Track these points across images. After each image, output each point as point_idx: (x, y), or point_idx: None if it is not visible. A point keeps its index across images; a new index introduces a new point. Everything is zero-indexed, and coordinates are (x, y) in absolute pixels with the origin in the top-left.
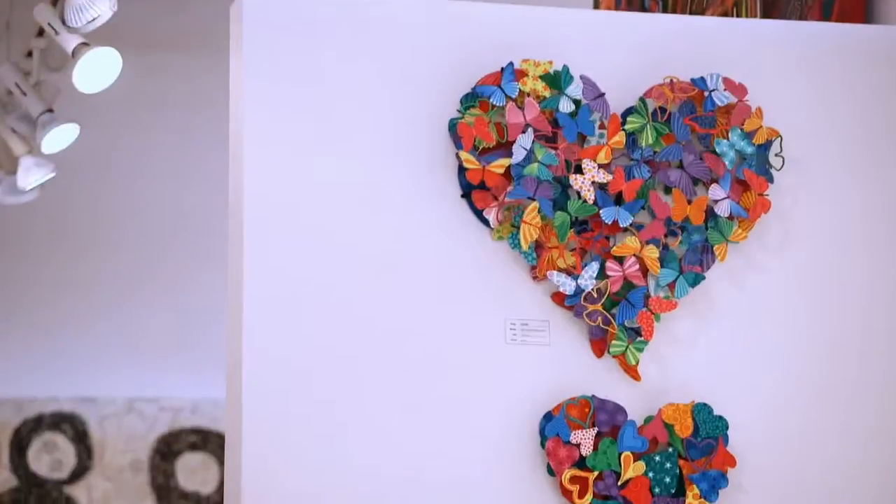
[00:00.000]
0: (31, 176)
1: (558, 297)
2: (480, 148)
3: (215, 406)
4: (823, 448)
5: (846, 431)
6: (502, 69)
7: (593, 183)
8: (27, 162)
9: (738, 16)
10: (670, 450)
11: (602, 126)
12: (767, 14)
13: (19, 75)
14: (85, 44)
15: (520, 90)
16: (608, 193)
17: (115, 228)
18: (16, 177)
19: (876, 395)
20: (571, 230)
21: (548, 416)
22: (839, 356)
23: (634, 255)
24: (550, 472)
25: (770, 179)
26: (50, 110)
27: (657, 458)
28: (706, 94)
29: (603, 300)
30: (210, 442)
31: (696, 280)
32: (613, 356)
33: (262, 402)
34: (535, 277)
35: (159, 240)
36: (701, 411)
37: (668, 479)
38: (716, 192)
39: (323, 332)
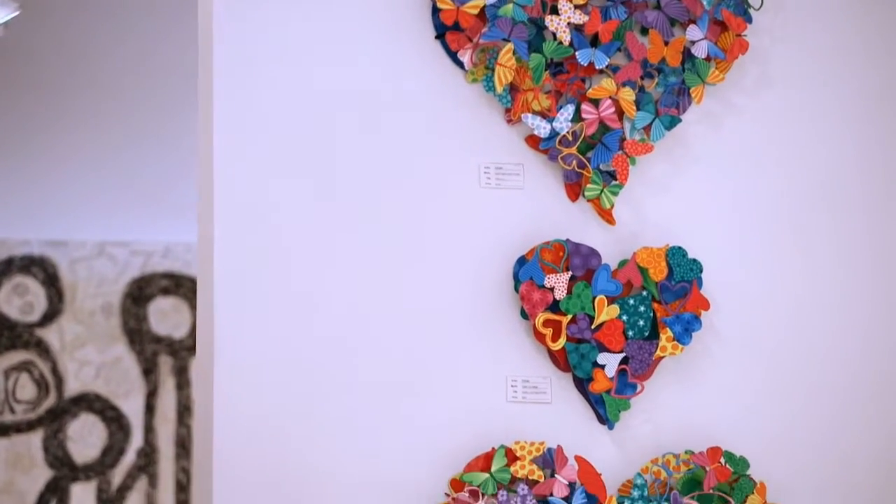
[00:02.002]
0: None
1: (533, 141)
2: None
3: (187, 250)
4: (794, 289)
5: (818, 273)
6: None
7: (569, 24)
8: None
9: None
10: (644, 293)
11: None
12: None
13: None
14: None
15: None
16: (584, 35)
17: (86, 69)
18: None
19: (847, 238)
20: (546, 72)
21: (521, 261)
22: (813, 199)
23: (610, 97)
24: (524, 315)
25: (748, 20)
26: None
27: (631, 302)
28: None
29: (578, 143)
30: (182, 286)
31: (673, 123)
32: (588, 200)
33: (233, 245)
34: (509, 121)
35: (132, 82)
36: (675, 254)
37: (641, 323)
38: (693, 32)
39: (296, 175)
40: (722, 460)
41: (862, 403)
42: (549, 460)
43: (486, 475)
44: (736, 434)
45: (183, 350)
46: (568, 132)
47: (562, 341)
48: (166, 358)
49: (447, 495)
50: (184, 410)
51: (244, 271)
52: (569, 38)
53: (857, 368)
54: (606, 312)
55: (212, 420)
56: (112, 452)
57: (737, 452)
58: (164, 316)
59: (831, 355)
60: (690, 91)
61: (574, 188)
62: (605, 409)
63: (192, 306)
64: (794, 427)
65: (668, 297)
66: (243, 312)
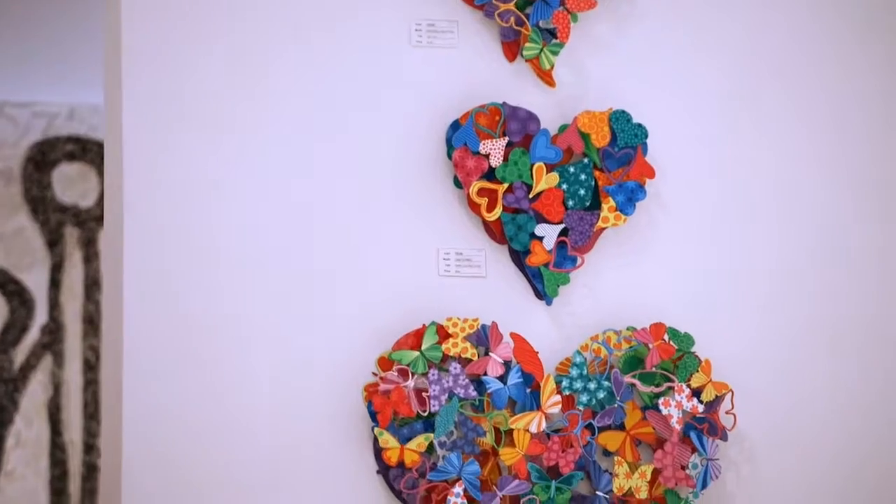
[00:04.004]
0: None
1: None
2: None
3: (94, 112)
4: (745, 156)
5: (770, 140)
6: None
7: None
8: None
9: None
10: (585, 160)
11: None
12: None
13: None
14: None
15: None
16: None
17: None
18: None
19: (801, 105)
20: None
21: (455, 125)
22: (768, 60)
23: None
24: (457, 184)
25: None
26: None
27: (571, 170)
28: None
29: None
30: (89, 151)
31: None
32: (526, 60)
33: (142, 108)
34: None
35: None
36: (619, 119)
37: (582, 192)
38: None
39: (209, 34)
40: (665, 337)
41: (810, 278)
42: (483, 337)
43: (416, 353)
44: (681, 310)
45: (90, 220)
46: None
47: (497, 211)
48: (72, 229)
49: (375, 375)
50: (92, 285)
51: (154, 135)
52: None
53: (808, 241)
54: (545, 181)
55: (121, 295)
56: (14, 329)
57: (681, 329)
58: (70, 183)
59: (782, 228)
60: None
61: (511, 47)
62: (542, 284)
63: (100, 173)
64: (740, 303)
65: (610, 165)
66: (154, 179)
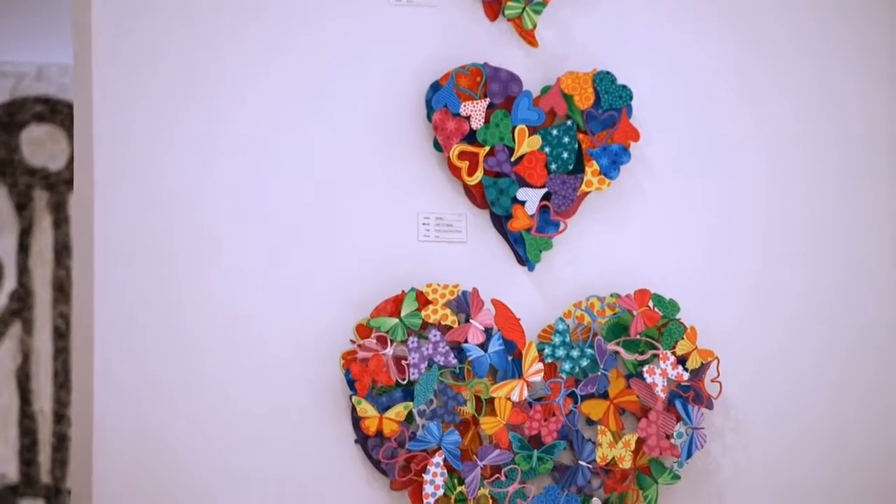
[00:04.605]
0: None
1: None
2: None
3: (63, 72)
4: (734, 118)
5: (759, 102)
6: None
7: None
8: None
9: None
10: (569, 122)
11: None
12: None
13: None
14: None
15: None
16: None
17: None
18: None
19: (791, 74)
20: None
21: (435, 86)
22: (760, 14)
23: None
24: (437, 147)
25: None
26: None
27: (554, 132)
28: None
29: None
30: (58, 112)
31: None
32: (508, 19)
33: (114, 68)
34: None
35: None
36: (603, 80)
37: (565, 155)
38: None
39: None
40: (650, 304)
41: (799, 243)
42: (464, 304)
43: (396, 320)
44: (665, 276)
45: (60, 184)
46: None
47: (478, 175)
48: (41, 192)
49: (353, 342)
50: (62, 250)
51: (125, 95)
52: None
53: (797, 207)
54: (527, 143)
55: (92, 260)
56: None
57: (666, 295)
58: (39, 145)
59: (771, 192)
60: None
61: (493, 6)
62: (524, 249)
63: (70, 135)
64: (726, 268)
65: (594, 127)
66: (125, 141)
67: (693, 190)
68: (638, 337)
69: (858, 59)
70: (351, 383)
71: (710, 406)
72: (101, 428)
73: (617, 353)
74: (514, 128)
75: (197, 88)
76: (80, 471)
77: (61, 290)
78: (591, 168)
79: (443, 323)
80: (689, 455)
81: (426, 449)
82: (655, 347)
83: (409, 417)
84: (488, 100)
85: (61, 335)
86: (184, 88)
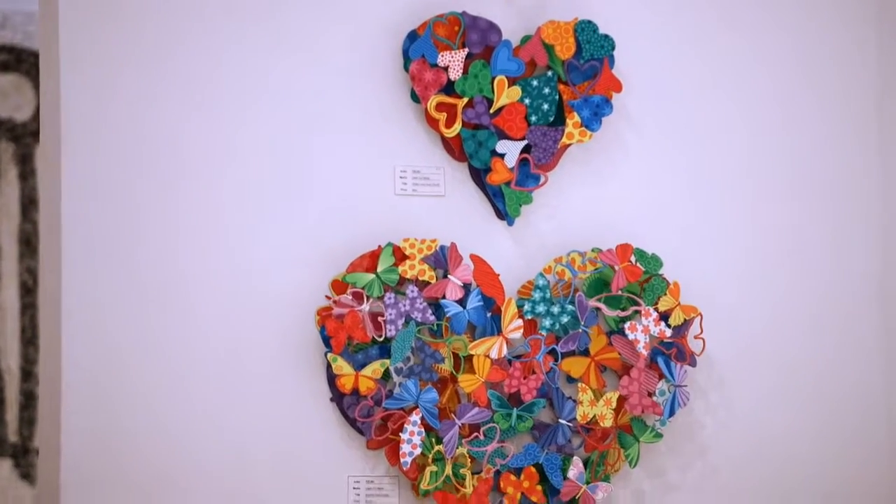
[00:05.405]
0: None
1: None
2: None
3: (28, 20)
4: (719, 68)
5: (747, 56)
6: None
7: None
8: None
9: None
10: (549, 73)
11: None
12: None
13: None
14: None
15: None
16: None
17: None
18: None
19: (776, 23)
20: None
21: (412, 36)
22: None
23: None
24: (414, 98)
25: None
26: None
27: (534, 83)
28: None
29: None
30: (23, 61)
31: None
32: None
33: (80, 15)
34: None
35: None
36: (584, 29)
37: (546, 106)
38: None
39: None
40: (632, 259)
41: (784, 197)
42: (442, 259)
43: (372, 276)
44: (648, 231)
45: (26, 135)
46: None
47: (457, 127)
48: (7, 144)
49: (328, 298)
50: (29, 204)
51: (93, 44)
52: None
53: (781, 159)
54: (507, 95)
55: (60, 214)
56: None
57: (648, 250)
58: (4, 96)
59: (754, 144)
60: None
61: None
62: (504, 203)
63: (36, 85)
64: (710, 223)
65: (575, 78)
66: (93, 92)
67: (676, 142)
68: (619, 293)
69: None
70: (326, 340)
71: (693, 363)
72: (68, 386)
73: (598, 309)
74: (493, 78)
75: (168, 38)
76: (47, 430)
77: (28, 244)
78: (573, 120)
79: (420, 278)
80: (672, 413)
81: (403, 407)
82: (637, 303)
83: (386, 375)
84: (467, 50)
85: (29, 291)
86: (154, 38)
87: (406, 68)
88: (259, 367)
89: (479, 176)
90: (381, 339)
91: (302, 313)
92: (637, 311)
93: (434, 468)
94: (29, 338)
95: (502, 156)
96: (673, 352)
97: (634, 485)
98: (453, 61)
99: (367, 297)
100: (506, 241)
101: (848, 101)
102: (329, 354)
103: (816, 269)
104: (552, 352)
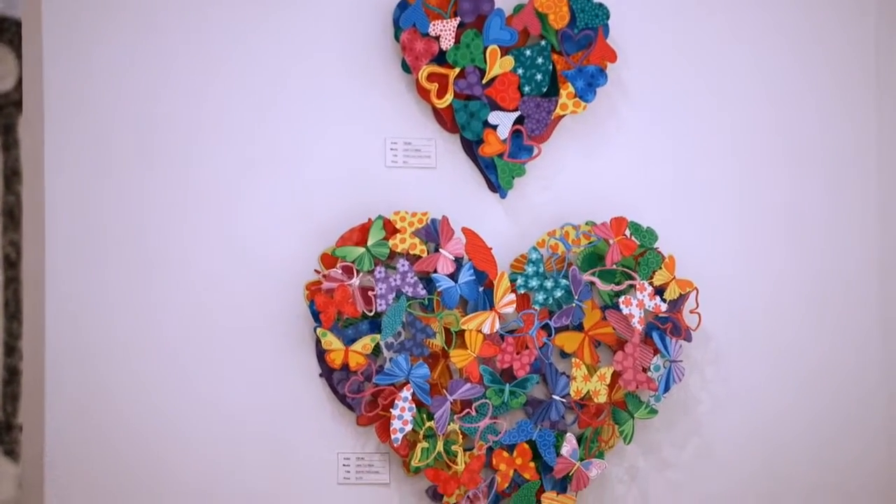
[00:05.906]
0: None
1: None
2: None
3: None
4: (716, 40)
5: (743, 25)
6: None
7: None
8: None
9: None
10: (543, 43)
11: None
12: None
13: None
14: None
15: None
16: None
17: None
18: None
19: None
20: None
21: (403, 4)
22: None
23: None
24: (405, 68)
25: None
26: None
27: (528, 53)
28: None
29: None
30: (6, 31)
31: None
32: None
33: None
34: None
35: None
36: None
37: (539, 77)
38: None
39: None
40: (627, 232)
41: (781, 169)
42: (433, 233)
43: (362, 250)
44: (643, 203)
45: (9, 105)
46: None
47: (448, 98)
48: None
49: (317, 272)
50: (11, 175)
51: (76, 13)
52: None
53: (778, 130)
54: (499, 65)
55: (43, 186)
56: None
57: (643, 223)
58: None
59: (750, 116)
60: None
61: None
62: (496, 175)
63: (19, 55)
64: (706, 196)
65: (569, 48)
66: (76, 61)
67: (671, 113)
68: (614, 267)
69: None
70: (315, 315)
71: (688, 338)
72: (52, 361)
73: (592, 283)
74: (485, 48)
75: (153, 5)
76: (31, 405)
77: (11, 216)
78: (567, 91)
79: (411, 252)
80: (667, 389)
81: (394, 383)
82: (632, 278)
83: (376, 350)
84: (458, 19)
85: (12, 264)
86: (139, 6)
87: (397, 38)
88: (247, 342)
89: (471, 147)
90: (372, 313)
91: (291, 288)
92: (632, 286)
93: (425, 445)
94: (12, 312)
95: (495, 127)
96: (668, 327)
97: (629, 461)
98: (445, 30)
99: (358, 272)
100: (498, 213)
101: (847, 69)
102: (318, 329)
103: (814, 245)
104: (545, 326)
